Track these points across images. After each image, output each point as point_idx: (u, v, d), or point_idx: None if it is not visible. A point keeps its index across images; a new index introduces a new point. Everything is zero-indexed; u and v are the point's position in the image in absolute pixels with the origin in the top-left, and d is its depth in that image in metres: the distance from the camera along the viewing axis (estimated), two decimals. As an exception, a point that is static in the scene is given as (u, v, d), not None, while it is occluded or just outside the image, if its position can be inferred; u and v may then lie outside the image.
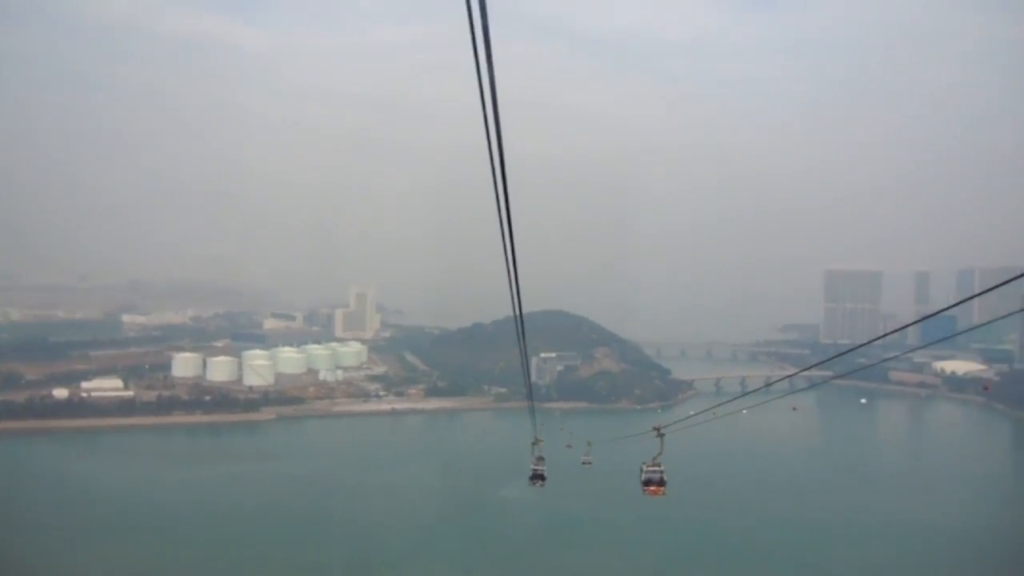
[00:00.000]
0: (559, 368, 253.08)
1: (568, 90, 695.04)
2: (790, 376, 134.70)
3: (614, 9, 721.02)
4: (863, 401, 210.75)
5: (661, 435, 32.12)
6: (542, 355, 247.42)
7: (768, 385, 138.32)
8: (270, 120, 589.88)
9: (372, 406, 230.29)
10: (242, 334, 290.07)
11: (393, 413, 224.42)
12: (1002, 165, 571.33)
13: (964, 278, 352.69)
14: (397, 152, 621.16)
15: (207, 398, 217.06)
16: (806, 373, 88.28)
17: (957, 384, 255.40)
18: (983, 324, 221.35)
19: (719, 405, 40.08)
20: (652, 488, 33.87)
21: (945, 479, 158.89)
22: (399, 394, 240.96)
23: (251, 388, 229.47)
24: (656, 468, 33.95)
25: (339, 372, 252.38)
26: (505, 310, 15.18)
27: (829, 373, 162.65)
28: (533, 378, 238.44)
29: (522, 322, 16.94)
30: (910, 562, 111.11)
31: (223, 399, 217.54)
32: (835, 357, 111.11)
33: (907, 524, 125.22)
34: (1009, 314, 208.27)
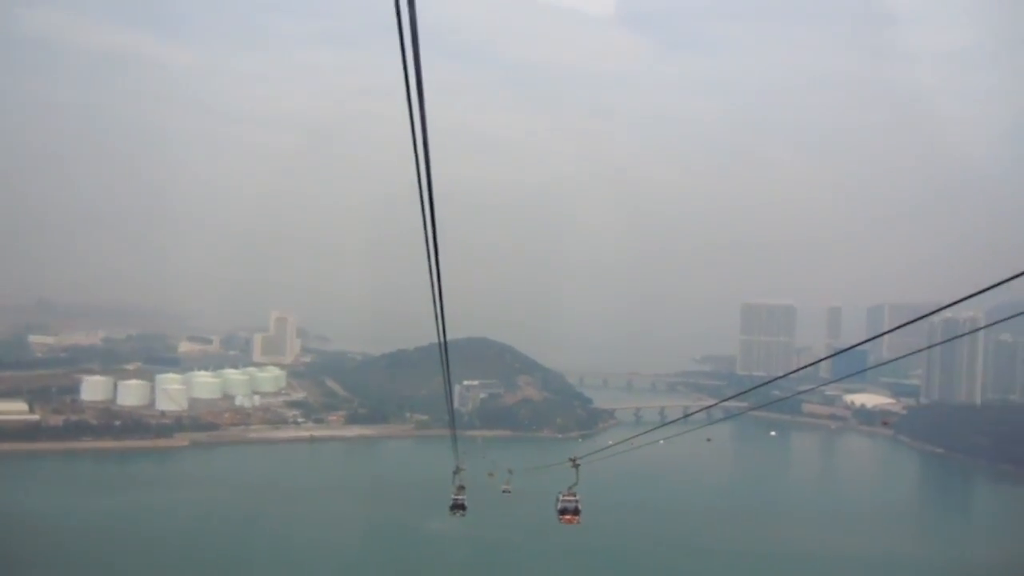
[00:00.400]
0: (482, 396, 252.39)
1: (496, 119, 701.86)
2: (708, 407, 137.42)
3: (541, 40, 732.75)
4: (772, 434, 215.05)
5: (576, 466, 32.78)
6: (465, 382, 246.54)
7: (686, 416, 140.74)
8: (190, 139, 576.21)
9: (290, 433, 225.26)
10: (155, 357, 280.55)
11: (312, 440, 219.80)
12: (909, 206, 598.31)
13: (874, 314, 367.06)
14: (322, 176, 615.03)
15: (117, 423, 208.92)
16: (724, 404, 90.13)
17: (866, 417, 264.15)
18: (891, 360, 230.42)
19: (635, 437, 40.86)
20: (567, 517, 34.45)
21: (852, 510, 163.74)
22: (318, 421, 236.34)
23: (164, 413, 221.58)
24: (571, 498, 34.50)
25: (256, 398, 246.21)
26: (429, 336, 15.17)
27: (745, 404, 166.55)
28: (456, 405, 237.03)
29: (446, 349, 16.89)
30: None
31: (134, 424, 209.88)
32: (751, 390, 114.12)
33: (814, 554, 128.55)
34: (913, 352, 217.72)
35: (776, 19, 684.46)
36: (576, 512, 34.60)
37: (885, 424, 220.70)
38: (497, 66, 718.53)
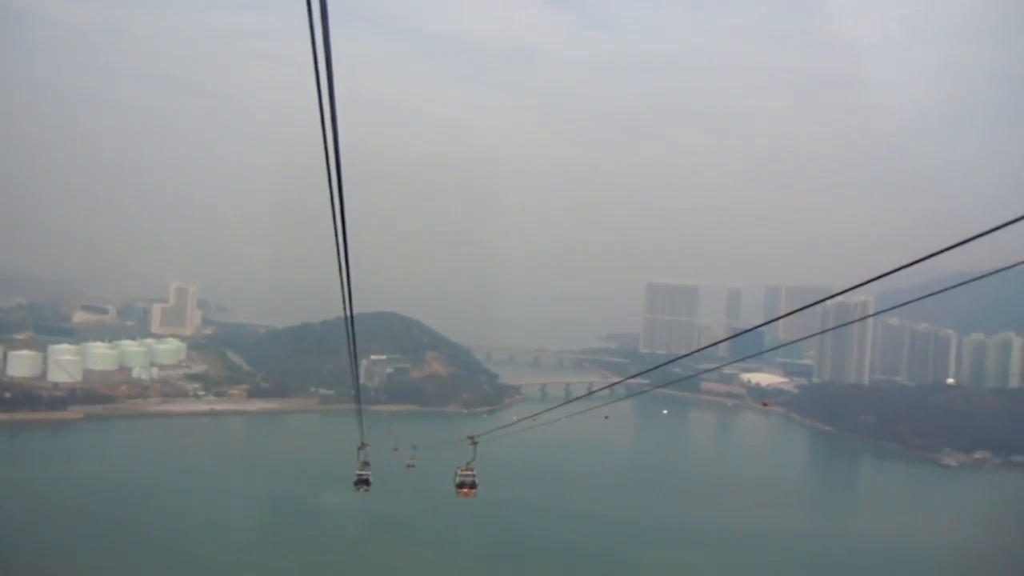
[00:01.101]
0: (389, 370, 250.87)
1: (411, 92, 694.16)
2: (612, 384, 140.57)
3: (457, 14, 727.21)
4: (664, 412, 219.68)
5: (475, 443, 35.51)
6: (372, 357, 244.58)
7: (591, 393, 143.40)
8: (88, 99, 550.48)
9: (190, 406, 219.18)
10: (47, 327, 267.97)
11: (212, 414, 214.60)
12: (805, 190, 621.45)
13: (771, 295, 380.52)
14: (229, 143, 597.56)
15: (7, 395, 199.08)
16: (627, 381, 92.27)
17: (761, 395, 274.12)
18: (789, 343, 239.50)
19: (536, 415, 42.69)
20: (465, 490, 37.08)
21: (745, 484, 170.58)
22: (220, 394, 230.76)
23: (56, 385, 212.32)
24: (469, 472, 37.05)
25: (154, 370, 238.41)
26: (336, 310, 14.99)
27: (647, 382, 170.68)
28: (362, 380, 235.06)
29: (352, 323, 16.72)
30: (712, 561, 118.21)
31: (25, 396, 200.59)
32: (655, 368, 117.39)
33: (707, 527, 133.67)
34: (807, 336, 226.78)
35: (690, 3, 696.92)
36: (473, 486, 37.05)
37: (766, 405, 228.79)
38: (416, 38, 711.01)
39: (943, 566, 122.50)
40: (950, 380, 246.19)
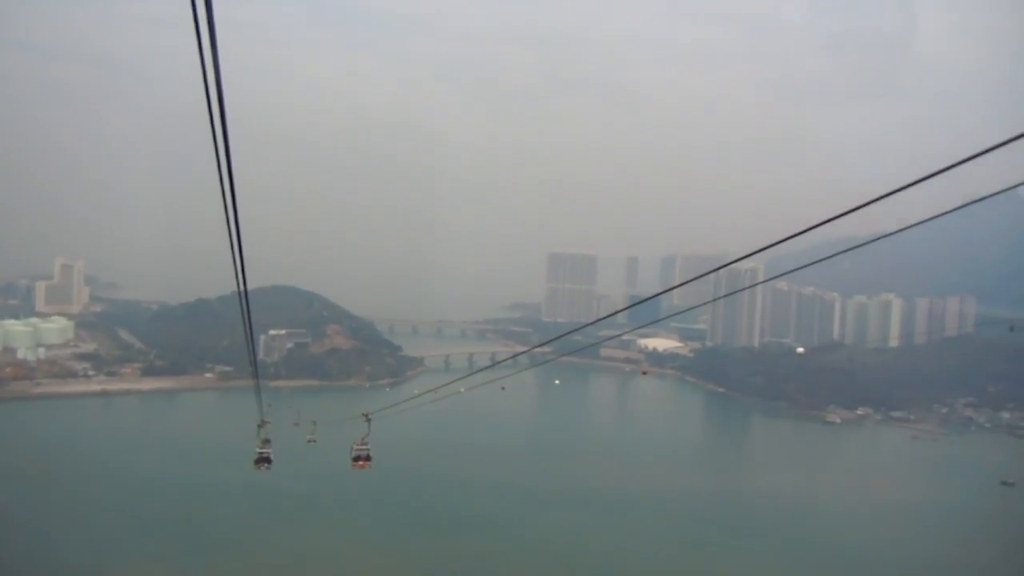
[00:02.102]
0: (289, 345, 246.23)
1: (307, 58, 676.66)
2: (515, 355, 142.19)
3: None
4: (556, 382, 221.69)
5: (368, 419, 38.14)
6: (271, 332, 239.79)
7: (495, 364, 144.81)
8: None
9: (80, 387, 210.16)
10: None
11: (104, 394, 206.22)
12: (701, 163, 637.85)
13: (667, 264, 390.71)
14: (113, 111, 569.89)
15: None
16: (536, 351, 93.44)
17: (658, 360, 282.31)
18: (684, 310, 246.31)
19: (435, 389, 44.01)
20: (360, 463, 39.77)
21: (643, 446, 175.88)
22: (111, 374, 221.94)
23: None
24: (364, 447, 39.74)
25: (41, 350, 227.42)
26: (231, 284, 14.64)
27: (550, 351, 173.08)
28: (261, 356, 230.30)
29: (246, 297, 16.34)
30: (607, 522, 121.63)
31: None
32: (557, 338, 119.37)
33: (603, 489, 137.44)
34: (700, 304, 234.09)
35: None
36: (367, 459, 39.74)
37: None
38: (310, 5, 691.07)
39: (828, 518, 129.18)
40: (800, 349, 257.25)
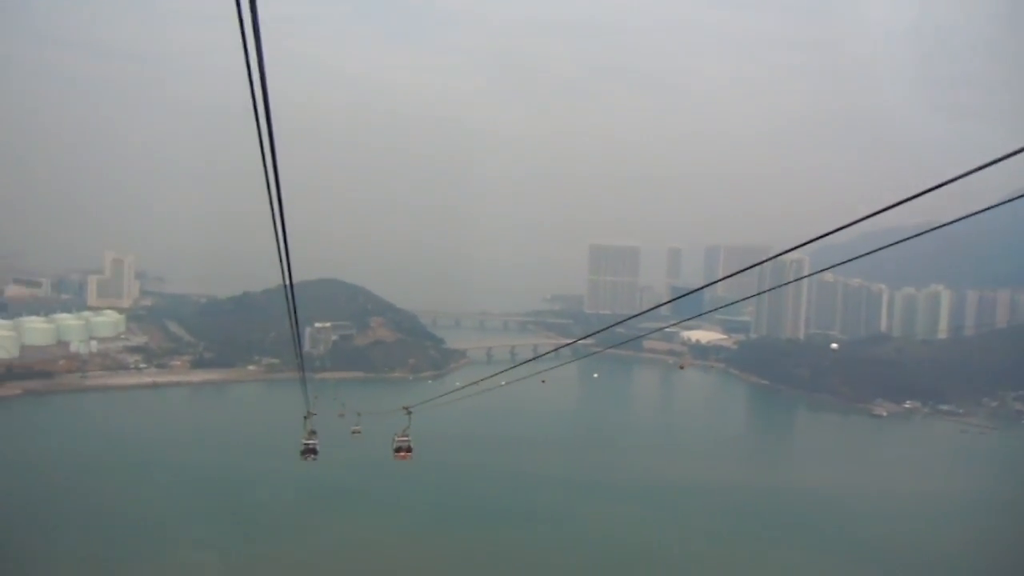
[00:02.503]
0: (334, 338, 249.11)
1: (351, 54, 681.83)
2: (558, 348, 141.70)
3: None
4: (595, 376, 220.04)
5: (409, 412, 39.13)
6: (316, 324, 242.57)
7: (537, 357, 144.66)
8: (11, 64, 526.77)
9: (132, 379, 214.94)
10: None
11: (155, 387, 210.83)
12: (740, 154, 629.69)
13: (711, 254, 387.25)
14: (158, 108, 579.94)
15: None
16: (577, 343, 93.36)
17: (701, 352, 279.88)
18: (728, 304, 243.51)
19: (473, 383, 44.26)
20: (401, 454, 40.77)
21: (686, 440, 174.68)
22: (161, 366, 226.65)
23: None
24: (404, 438, 40.77)
25: (93, 343, 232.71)
26: (276, 278, 14.87)
27: (592, 343, 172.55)
28: (307, 348, 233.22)
29: (292, 290, 16.57)
30: (657, 517, 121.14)
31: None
32: (600, 331, 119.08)
33: (649, 481, 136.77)
34: (745, 298, 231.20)
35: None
36: (409, 450, 40.69)
37: (682, 368, 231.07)
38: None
39: (874, 512, 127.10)
40: (834, 345, 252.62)
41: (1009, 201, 15.56)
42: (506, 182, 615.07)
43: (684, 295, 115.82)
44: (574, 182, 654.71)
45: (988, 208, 14.21)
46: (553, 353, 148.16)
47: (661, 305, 49.21)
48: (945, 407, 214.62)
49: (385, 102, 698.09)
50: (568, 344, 49.52)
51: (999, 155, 9.67)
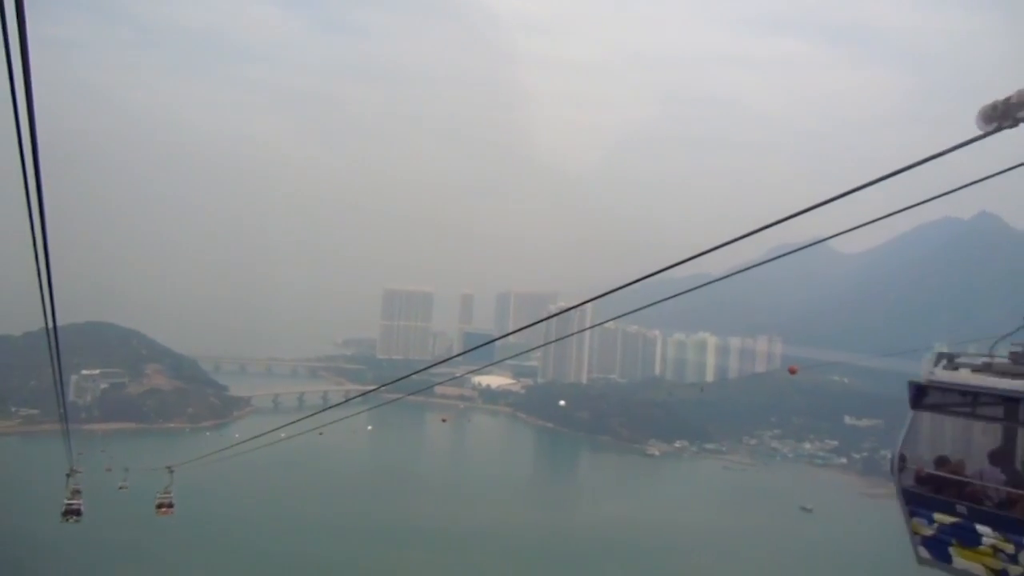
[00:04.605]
0: (103, 386, 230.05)
1: (134, 82, 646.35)
2: (349, 399, 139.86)
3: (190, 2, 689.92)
4: (369, 428, 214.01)
5: (171, 471, 41.66)
6: (83, 372, 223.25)
7: (328, 408, 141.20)
8: None
9: None
10: None
11: None
12: (533, 205, 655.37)
13: (502, 300, 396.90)
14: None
15: None
16: (365, 390, 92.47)
17: (491, 396, 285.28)
18: (518, 353, 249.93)
19: (238, 444, 44.75)
20: (163, 510, 43.20)
21: (475, 483, 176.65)
22: None
23: None
24: (167, 495, 43.24)
25: None
26: (40, 320, 13.62)
27: (382, 389, 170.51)
28: (72, 397, 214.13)
29: (56, 333, 15.22)
30: (444, 561, 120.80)
31: None
32: (399, 380, 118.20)
33: (443, 526, 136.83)
34: (533, 348, 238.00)
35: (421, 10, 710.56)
36: (170, 505, 43.17)
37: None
38: (136, 26, 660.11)
39: (649, 546, 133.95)
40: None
41: (768, 261, 17.41)
42: (297, 222, 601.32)
43: (482, 345, 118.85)
44: (365, 225, 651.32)
45: (749, 267, 15.69)
46: (344, 403, 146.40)
47: (460, 355, 50.21)
48: (710, 446, 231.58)
49: (167, 132, 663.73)
50: (359, 395, 49.25)
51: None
